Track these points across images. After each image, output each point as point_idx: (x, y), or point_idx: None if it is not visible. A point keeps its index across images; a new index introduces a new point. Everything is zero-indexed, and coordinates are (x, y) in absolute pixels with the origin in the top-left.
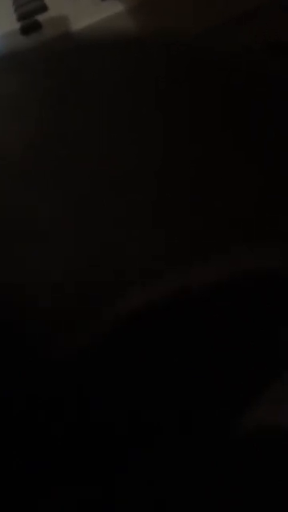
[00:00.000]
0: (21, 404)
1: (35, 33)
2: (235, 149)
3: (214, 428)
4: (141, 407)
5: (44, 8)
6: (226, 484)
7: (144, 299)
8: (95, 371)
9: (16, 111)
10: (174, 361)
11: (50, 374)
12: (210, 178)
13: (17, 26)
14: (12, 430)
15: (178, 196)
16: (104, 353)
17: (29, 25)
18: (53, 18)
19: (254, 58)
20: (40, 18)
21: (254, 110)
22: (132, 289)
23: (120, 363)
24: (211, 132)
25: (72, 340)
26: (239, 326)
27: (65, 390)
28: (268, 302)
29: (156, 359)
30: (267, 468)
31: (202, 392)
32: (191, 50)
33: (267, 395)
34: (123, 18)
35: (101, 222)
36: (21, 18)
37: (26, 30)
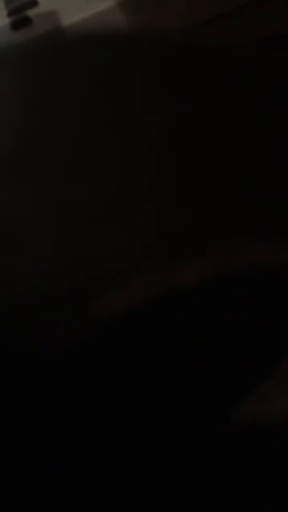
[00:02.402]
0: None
1: (25, 28)
2: (231, 149)
3: (211, 426)
4: (140, 408)
5: (34, 3)
6: (224, 482)
7: (138, 295)
8: (92, 368)
9: None
10: (169, 356)
11: (47, 374)
12: (202, 175)
13: (7, 21)
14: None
15: (166, 193)
16: (95, 351)
17: (19, 20)
18: (43, 13)
19: (250, 57)
20: (30, 13)
21: (252, 109)
22: (122, 284)
23: (108, 363)
24: (206, 132)
25: (59, 339)
26: (234, 322)
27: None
28: (268, 299)
29: (148, 358)
30: (263, 463)
31: (197, 390)
32: (184, 48)
33: (259, 390)
34: (115, 12)
35: (83, 220)
36: (11, 13)
37: (16, 26)
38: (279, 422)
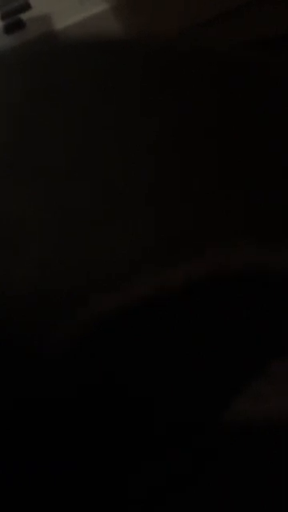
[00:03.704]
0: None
1: (19, 31)
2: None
3: (207, 424)
4: (137, 407)
5: (28, 6)
6: (222, 480)
7: (140, 294)
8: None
9: None
10: (169, 357)
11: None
12: (200, 179)
13: (0, 24)
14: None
15: (166, 195)
16: (91, 348)
17: (12, 23)
18: (36, 16)
19: (250, 57)
20: (24, 16)
21: (252, 109)
22: (121, 285)
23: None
24: (205, 133)
25: (51, 340)
26: (225, 323)
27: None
28: (267, 299)
29: (144, 356)
30: (257, 461)
31: (194, 388)
32: (183, 49)
33: (251, 390)
34: (108, 16)
35: (83, 223)
36: (4, 16)
37: (9, 29)
38: (273, 421)
